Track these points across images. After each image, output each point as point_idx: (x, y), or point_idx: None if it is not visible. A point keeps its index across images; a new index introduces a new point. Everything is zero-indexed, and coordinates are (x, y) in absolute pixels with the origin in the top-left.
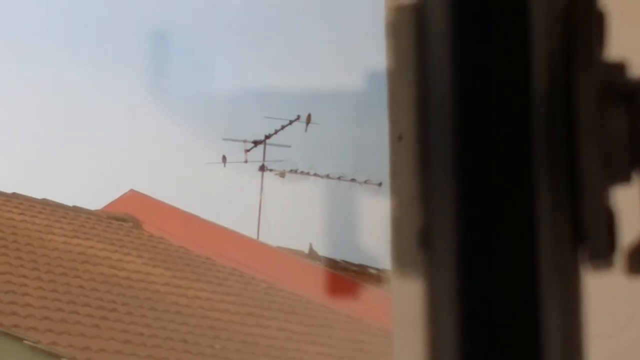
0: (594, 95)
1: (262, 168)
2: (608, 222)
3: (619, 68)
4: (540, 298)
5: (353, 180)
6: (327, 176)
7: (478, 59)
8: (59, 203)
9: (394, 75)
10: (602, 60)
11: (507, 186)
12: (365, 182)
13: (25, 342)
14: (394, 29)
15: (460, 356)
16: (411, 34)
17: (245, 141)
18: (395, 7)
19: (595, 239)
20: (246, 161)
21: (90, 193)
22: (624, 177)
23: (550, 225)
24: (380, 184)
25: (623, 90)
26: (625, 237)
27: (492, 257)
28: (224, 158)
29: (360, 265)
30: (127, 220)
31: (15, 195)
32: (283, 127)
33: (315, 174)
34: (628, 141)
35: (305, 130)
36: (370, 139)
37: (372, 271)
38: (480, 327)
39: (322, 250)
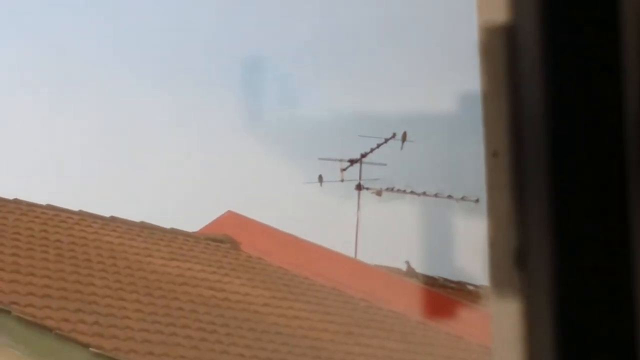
0: None
1: (359, 187)
2: None
3: None
4: (638, 315)
5: (450, 197)
6: (424, 194)
7: (570, 79)
8: (156, 226)
9: (489, 92)
10: None
11: (602, 205)
12: (462, 198)
13: None
14: (487, 50)
15: None
16: (504, 55)
17: (341, 160)
18: (487, 27)
19: None
20: (342, 180)
21: (188, 215)
22: None
23: None
24: (477, 201)
25: None
26: None
27: (588, 276)
28: (320, 178)
29: (459, 282)
30: (225, 241)
31: (113, 219)
32: (379, 146)
33: (411, 192)
34: None
35: (401, 148)
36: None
37: (471, 288)
38: (579, 345)
39: (420, 268)
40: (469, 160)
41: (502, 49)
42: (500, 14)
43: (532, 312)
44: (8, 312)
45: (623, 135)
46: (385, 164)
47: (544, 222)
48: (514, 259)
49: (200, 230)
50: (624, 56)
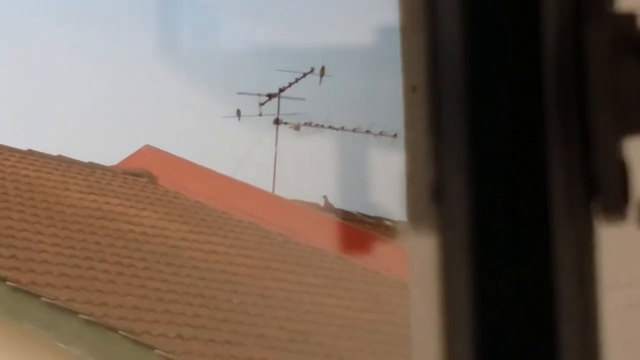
0: (605, 46)
1: (277, 121)
2: (621, 174)
3: (630, 19)
4: (554, 251)
5: (368, 132)
6: (342, 128)
7: (488, 13)
8: (74, 159)
9: (407, 26)
10: (612, 12)
11: (519, 140)
12: (380, 133)
13: (42, 299)
14: None
15: (474, 310)
16: None
17: (259, 95)
18: None
19: (609, 191)
20: (261, 115)
21: (106, 149)
22: (636, 129)
23: (563, 179)
24: (395, 135)
25: (633, 41)
26: (638, 189)
27: (504, 211)
28: (239, 112)
29: (376, 218)
30: (143, 175)
31: (30, 152)
32: (297, 80)
33: (330, 127)
34: (639, 92)
35: (320, 82)
36: (384, 91)
37: (388, 223)
38: (494, 280)
39: (337, 203)
40: (387, 96)
41: None
42: None
43: (448, 247)
44: None
45: (541, 69)
46: (303, 99)
47: (460, 157)
48: (431, 193)
49: (118, 164)
50: None
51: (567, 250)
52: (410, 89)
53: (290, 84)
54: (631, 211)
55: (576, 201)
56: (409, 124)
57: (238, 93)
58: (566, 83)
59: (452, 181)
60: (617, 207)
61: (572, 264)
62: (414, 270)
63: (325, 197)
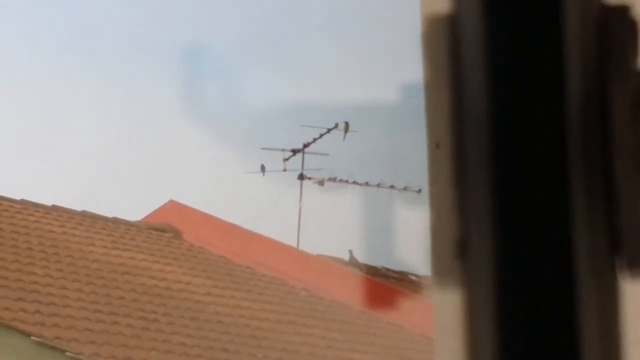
0: (628, 103)
1: (301, 176)
2: None
3: None
4: (577, 307)
5: (392, 187)
6: (366, 184)
7: (512, 69)
8: (98, 215)
9: (431, 83)
10: (635, 68)
11: (543, 195)
12: (405, 189)
13: (67, 354)
14: (429, 39)
15: None
16: (446, 44)
17: (283, 150)
18: (430, 17)
19: (632, 245)
20: (285, 170)
21: (131, 205)
22: None
23: (586, 233)
24: (419, 191)
25: None
26: None
27: (529, 267)
28: (263, 167)
29: (401, 272)
30: (167, 230)
31: (54, 208)
32: (321, 136)
33: (354, 182)
34: None
35: (344, 138)
36: (408, 147)
37: (413, 278)
38: (518, 337)
39: (362, 258)
40: (411, 151)
41: (445, 39)
42: (443, 4)
43: (473, 302)
44: None
45: (565, 127)
46: (327, 154)
47: (485, 213)
48: (455, 249)
49: (142, 219)
50: (566, 47)
51: (591, 305)
52: (434, 145)
53: (314, 140)
54: None
55: (600, 256)
56: (434, 180)
57: (262, 148)
58: (590, 138)
59: (477, 237)
60: None
61: (595, 318)
62: (439, 326)
63: (350, 251)
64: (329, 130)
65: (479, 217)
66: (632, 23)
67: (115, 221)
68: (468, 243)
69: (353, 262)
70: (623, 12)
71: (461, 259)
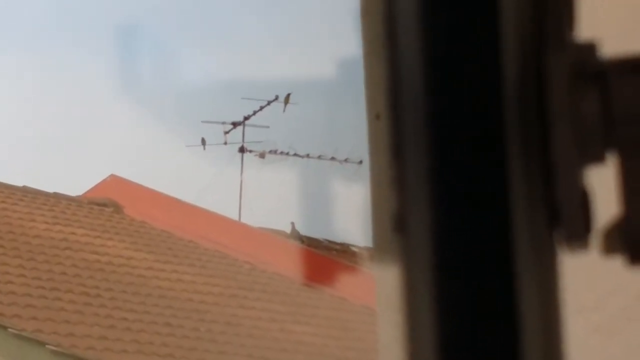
0: (565, 76)
1: (242, 149)
2: (583, 203)
3: (590, 49)
4: (516, 280)
5: (333, 159)
6: (307, 156)
7: (447, 43)
8: (39, 190)
9: (369, 56)
10: (572, 41)
11: (480, 170)
12: (346, 160)
13: (9, 330)
14: (366, 12)
15: (438, 337)
16: (383, 18)
17: (224, 123)
18: None
19: (571, 220)
20: (226, 143)
21: (71, 179)
22: (597, 158)
23: (525, 207)
24: (360, 162)
25: (594, 70)
26: (601, 217)
27: (467, 241)
28: (203, 141)
29: (343, 244)
30: (108, 205)
31: None
32: (261, 108)
33: (295, 154)
34: (601, 121)
35: (284, 110)
36: (348, 118)
37: (355, 249)
38: (456, 309)
39: (304, 230)
40: (351, 123)
41: (381, 12)
42: None
43: (411, 276)
44: None
45: (502, 101)
46: (268, 127)
47: (422, 186)
48: (394, 223)
49: (84, 194)
50: (502, 19)
51: (530, 278)
52: (374, 116)
53: (254, 112)
54: (594, 239)
55: (539, 230)
56: (374, 152)
57: (203, 122)
58: (527, 113)
59: (415, 210)
60: (579, 236)
61: (534, 291)
62: (381, 298)
63: (292, 224)
64: (269, 103)
65: (416, 191)
66: None
67: (57, 196)
68: (406, 216)
69: (295, 235)
70: None
71: (399, 232)
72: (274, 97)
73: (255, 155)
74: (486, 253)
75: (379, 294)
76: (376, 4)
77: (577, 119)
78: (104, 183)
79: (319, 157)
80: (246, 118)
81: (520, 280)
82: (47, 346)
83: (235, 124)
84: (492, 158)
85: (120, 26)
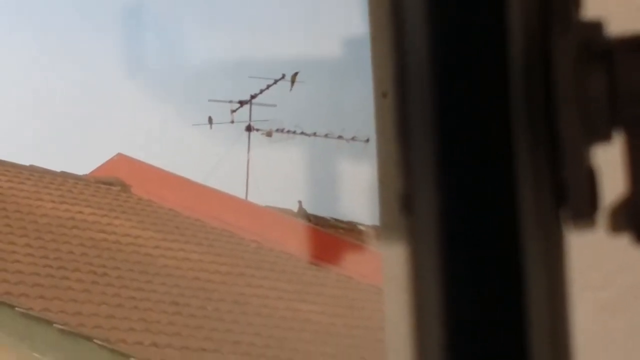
0: (572, 55)
1: (249, 128)
2: (589, 181)
3: (596, 27)
4: (523, 259)
5: (340, 137)
6: (314, 134)
7: (453, 23)
8: (46, 169)
9: (376, 35)
10: (578, 20)
11: (486, 150)
12: (353, 139)
13: (17, 309)
14: None
15: (444, 315)
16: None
17: (231, 102)
18: None
19: (577, 198)
20: (232, 122)
21: (78, 158)
22: (604, 136)
23: (531, 186)
24: (367, 140)
25: (600, 49)
26: (607, 196)
27: (473, 221)
28: (210, 119)
29: (350, 223)
30: (115, 184)
31: (1, 163)
32: (268, 87)
33: (302, 133)
34: (607, 100)
35: (291, 89)
36: (355, 97)
37: (362, 228)
38: (463, 287)
39: (311, 209)
40: (358, 101)
41: None
42: None
43: (418, 256)
44: None
45: (508, 81)
46: (275, 105)
47: (428, 167)
48: (400, 202)
49: (90, 173)
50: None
51: (537, 257)
52: (381, 95)
53: (261, 91)
54: (600, 217)
55: (545, 209)
56: (381, 130)
57: (209, 101)
58: (533, 92)
59: (421, 191)
60: (585, 214)
61: (541, 270)
62: (387, 277)
63: (299, 202)
64: (275, 82)
65: (422, 172)
66: None
67: (64, 175)
68: (413, 196)
69: (302, 213)
70: None
71: (406, 212)
72: (280, 76)
73: (262, 134)
74: (492, 233)
75: (385, 273)
76: None
77: (583, 98)
78: (111, 162)
79: (326, 135)
80: (253, 97)
81: (527, 258)
82: (54, 325)
83: (242, 103)
84: (499, 138)
85: (127, 6)
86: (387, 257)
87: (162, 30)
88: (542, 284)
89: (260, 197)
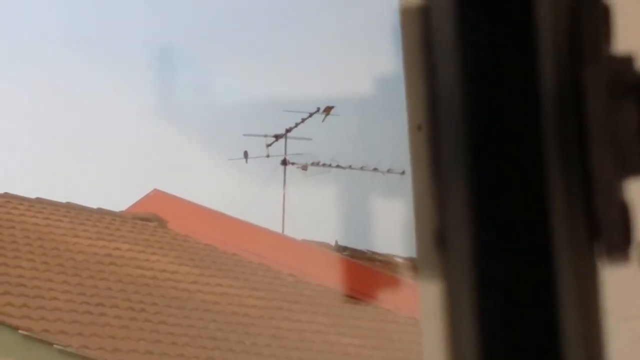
0: (603, 89)
1: (284, 162)
2: (622, 215)
3: (627, 61)
4: (556, 295)
5: (375, 170)
6: (350, 167)
7: (485, 59)
8: (82, 206)
9: (409, 70)
10: (609, 54)
11: (520, 185)
12: (388, 171)
13: (55, 346)
14: (405, 29)
15: (480, 353)
16: (421, 33)
17: (266, 136)
18: (405, 9)
19: (611, 232)
20: (268, 156)
21: (114, 195)
22: (636, 171)
23: (565, 221)
24: (403, 172)
25: (631, 83)
26: None
27: (507, 256)
28: (246, 154)
29: (386, 255)
30: (152, 219)
31: (39, 200)
32: (303, 120)
33: (337, 165)
34: (639, 134)
35: (323, 120)
36: (389, 131)
37: (398, 260)
38: (498, 325)
39: (347, 241)
40: (391, 135)
41: (420, 27)
42: None
43: (452, 291)
44: None
45: (540, 115)
46: (310, 139)
47: (461, 203)
48: (434, 238)
49: (127, 209)
50: (539, 33)
51: (571, 291)
52: (415, 128)
53: (296, 124)
54: (634, 251)
55: (579, 244)
56: (415, 163)
57: (244, 135)
58: (565, 126)
59: (454, 227)
60: (619, 248)
61: (576, 304)
62: (425, 310)
63: (336, 241)
64: (310, 115)
65: (456, 208)
66: (604, 7)
67: (100, 212)
68: (446, 232)
69: (339, 247)
70: None
71: (440, 248)
72: (315, 109)
73: (298, 167)
74: (525, 267)
75: (422, 306)
76: (414, 22)
77: (615, 131)
78: (147, 198)
79: (361, 168)
80: (288, 130)
81: (560, 293)
82: None
83: (277, 137)
84: (531, 174)
85: (159, 45)
86: (424, 292)
87: (195, 67)
88: (577, 316)
89: (297, 230)
